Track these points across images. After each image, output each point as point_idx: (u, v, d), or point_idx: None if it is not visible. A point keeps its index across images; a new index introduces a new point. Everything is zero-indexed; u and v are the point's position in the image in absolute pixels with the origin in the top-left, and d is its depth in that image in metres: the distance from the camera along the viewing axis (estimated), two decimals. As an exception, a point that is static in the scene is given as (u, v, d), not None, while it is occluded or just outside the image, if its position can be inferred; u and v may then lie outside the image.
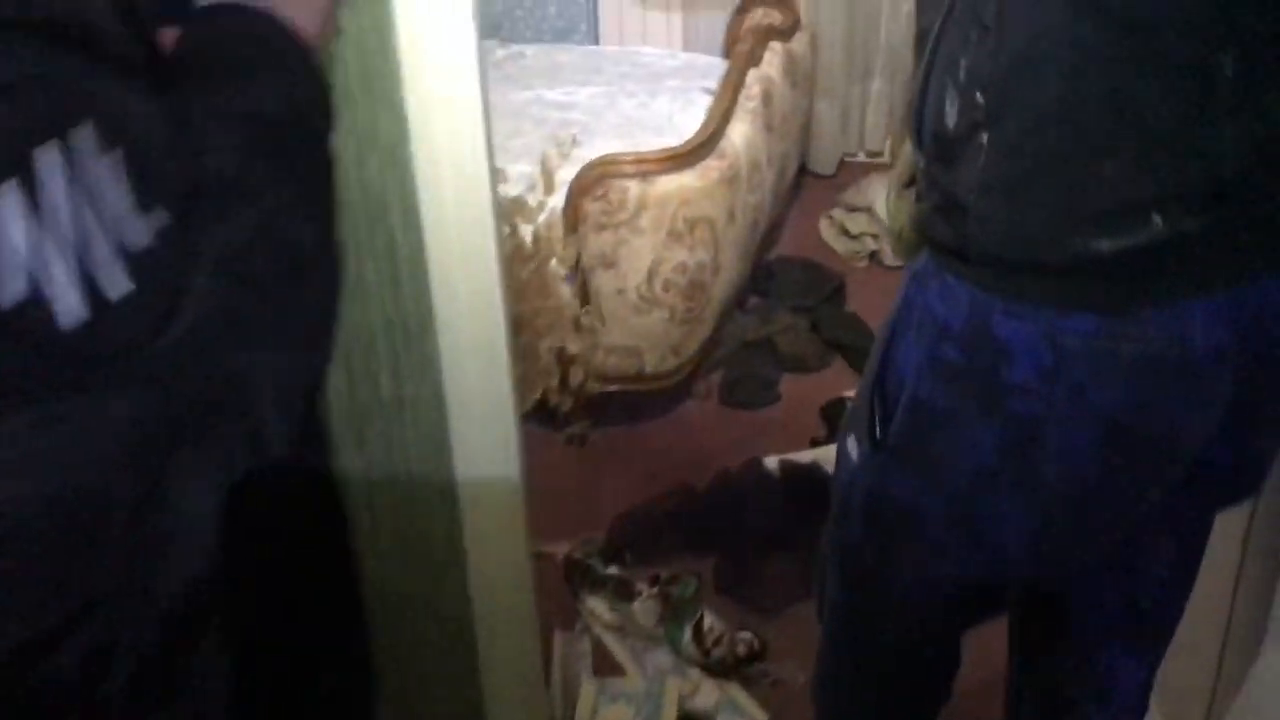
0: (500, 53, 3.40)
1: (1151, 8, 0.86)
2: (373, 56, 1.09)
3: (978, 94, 0.93)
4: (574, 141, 2.75)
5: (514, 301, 1.80)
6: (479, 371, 1.22)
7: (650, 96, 3.00)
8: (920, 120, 1.04)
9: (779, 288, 3.10)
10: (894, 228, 1.28)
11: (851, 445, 1.18)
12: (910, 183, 1.17)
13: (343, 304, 0.73)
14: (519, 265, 1.80)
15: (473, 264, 1.18)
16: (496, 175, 1.21)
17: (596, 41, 3.85)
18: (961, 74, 0.95)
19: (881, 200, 3.31)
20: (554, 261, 2.00)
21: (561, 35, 3.97)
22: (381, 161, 1.14)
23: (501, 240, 1.20)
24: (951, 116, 0.96)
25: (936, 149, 1.01)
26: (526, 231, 1.95)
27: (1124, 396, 0.96)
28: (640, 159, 2.27)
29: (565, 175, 2.33)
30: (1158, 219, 0.89)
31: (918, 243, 1.09)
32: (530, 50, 3.42)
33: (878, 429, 1.12)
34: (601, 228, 2.26)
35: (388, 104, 1.12)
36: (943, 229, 1.01)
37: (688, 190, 2.30)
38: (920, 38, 1.07)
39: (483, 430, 1.22)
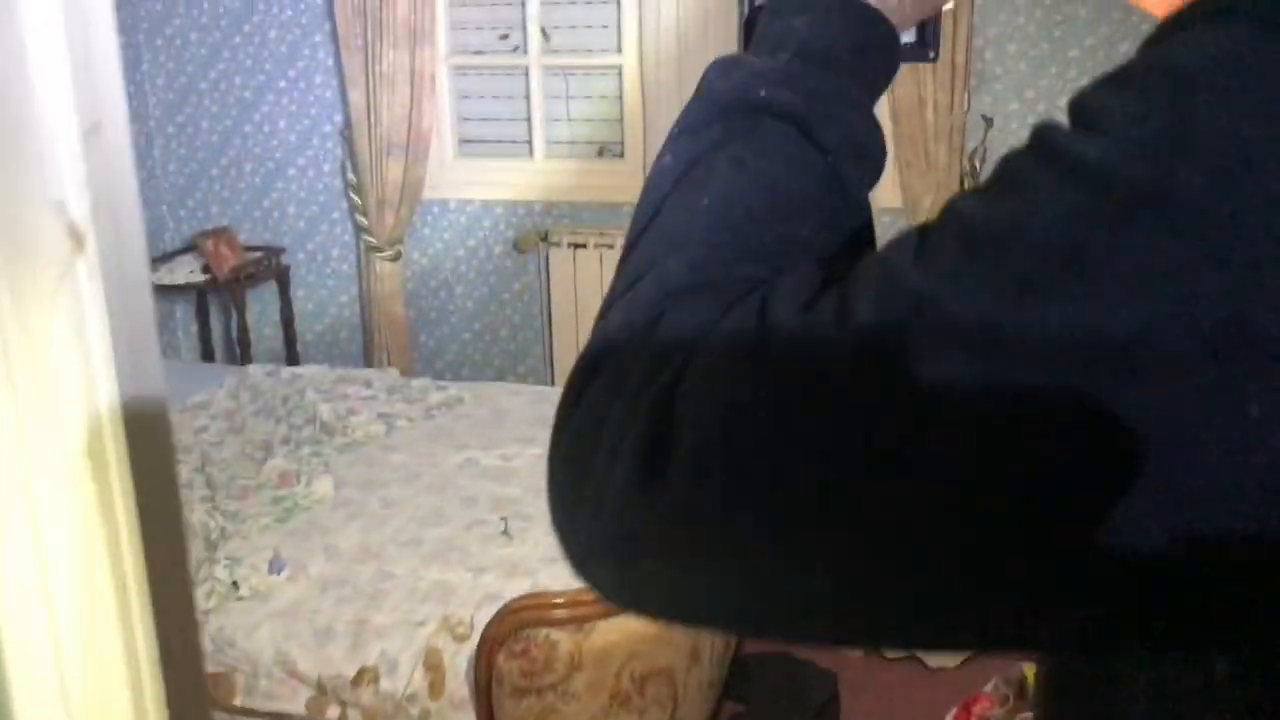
0: (435, 396, 2.97)
1: None
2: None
3: None
4: (506, 531, 2.26)
5: None
6: None
7: (602, 464, 2.53)
8: None
9: (758, 695, 2.53)
10: None
11: None
12: None
13: None
14: None
15: None
16: None
17: (551, 377, 3.46)
18: None
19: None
20: None
21: (513, 362, 3.59)
22: None
23: None
24: None
25: None
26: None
27: None
28: (574, 600, 1.75)
29: (481, 617, 1.81)
30: None
31: None
32: (470, 393, 2.99)
33: None
34: (521, 693, 1.71)
35: None
36: None
37: (636, 639, 1.77)
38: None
39: None
